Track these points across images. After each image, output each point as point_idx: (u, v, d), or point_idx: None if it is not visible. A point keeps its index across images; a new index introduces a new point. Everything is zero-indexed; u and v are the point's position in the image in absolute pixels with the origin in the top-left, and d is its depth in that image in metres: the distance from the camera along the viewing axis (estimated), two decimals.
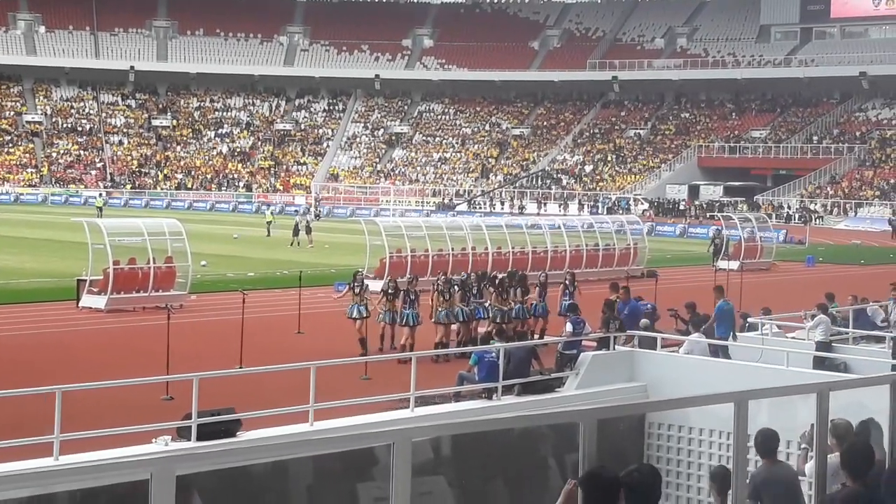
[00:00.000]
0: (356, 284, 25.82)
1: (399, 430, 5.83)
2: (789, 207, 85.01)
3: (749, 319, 23.59)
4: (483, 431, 14.01)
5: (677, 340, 21.06)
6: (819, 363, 19.68)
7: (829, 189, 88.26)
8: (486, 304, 26.81)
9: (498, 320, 25.45)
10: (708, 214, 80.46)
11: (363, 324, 25.20)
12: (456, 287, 26.69)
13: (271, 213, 66.51)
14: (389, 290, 25.73)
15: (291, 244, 53.93)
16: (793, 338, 22.43)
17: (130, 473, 5.33)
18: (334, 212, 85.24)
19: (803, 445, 11.71)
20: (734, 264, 43.74)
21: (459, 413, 17.03)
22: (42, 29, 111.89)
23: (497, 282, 27.59)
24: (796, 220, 79.05)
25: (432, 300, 25.99)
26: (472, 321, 26.53)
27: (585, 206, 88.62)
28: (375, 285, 32.70)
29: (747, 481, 8.94)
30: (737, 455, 7.19)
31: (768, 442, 10.21)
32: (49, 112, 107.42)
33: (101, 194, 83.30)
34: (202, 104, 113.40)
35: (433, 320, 25.67)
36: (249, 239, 57.81)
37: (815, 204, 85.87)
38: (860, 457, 6.98)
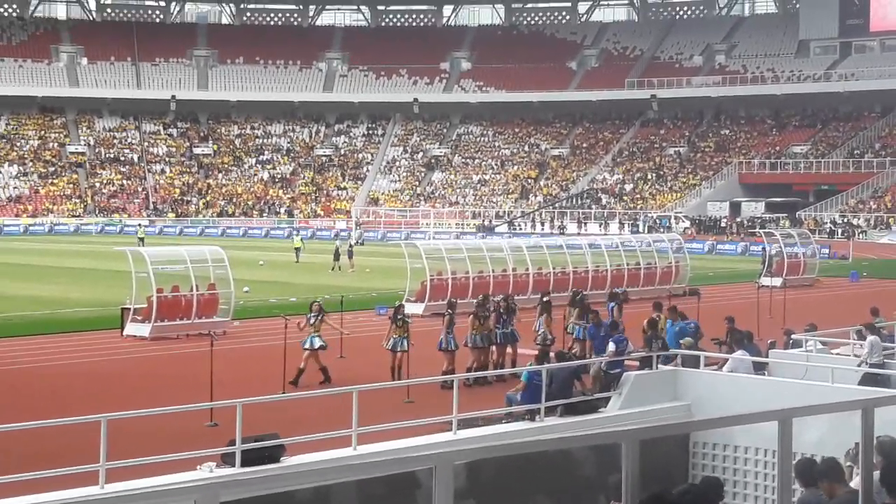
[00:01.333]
0: (312, 315, 24.81)
1: (440, 454, 5.82)
2: (833, 223, 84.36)
3: (793, 336, 23.38)
4: (526, 453, 14.00)
5: (720, 359, 20.95)
6: (867, 380, 19.43)
7: (871, 203, 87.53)
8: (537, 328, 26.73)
9: (542, 342, 25.37)
10: (749, 231, 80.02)
11: (314, 355, 24.30)
12: (499, 310, 26.56)
13: (300, 239, 65.31)
14: (398, 317, 24.93)
15: (332, 269, 54.11)
16: (838, 354, 22.21)
17: (175, 501, 5.36)
18: (388, 236, 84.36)
19: (848, 463, 11.61)
20: (777, 281, 43.44)
21: (502, 435, 17.00)
22: (84, 61, 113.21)
23: (545, 303, 27.54)
24: (839, 236, 78.43)
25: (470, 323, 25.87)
26: (506, 344, 26.36)
27: (626, 225, 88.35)
28: (416, 308, 32.78)
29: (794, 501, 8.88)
30: (781, 473, 7.14)
31: (811, 470, 10.18)
32: (92, 142, 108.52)
33: (140, 225, 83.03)
34: (243, 131, 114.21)
35: (464, 344, 25.51)
36: (289, 264, 58.02)
37: (858, 219, 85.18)
38: None
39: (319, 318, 24.84)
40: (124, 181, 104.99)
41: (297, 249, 60.64)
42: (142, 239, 69.02)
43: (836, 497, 9.94)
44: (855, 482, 10.09)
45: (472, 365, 25.12)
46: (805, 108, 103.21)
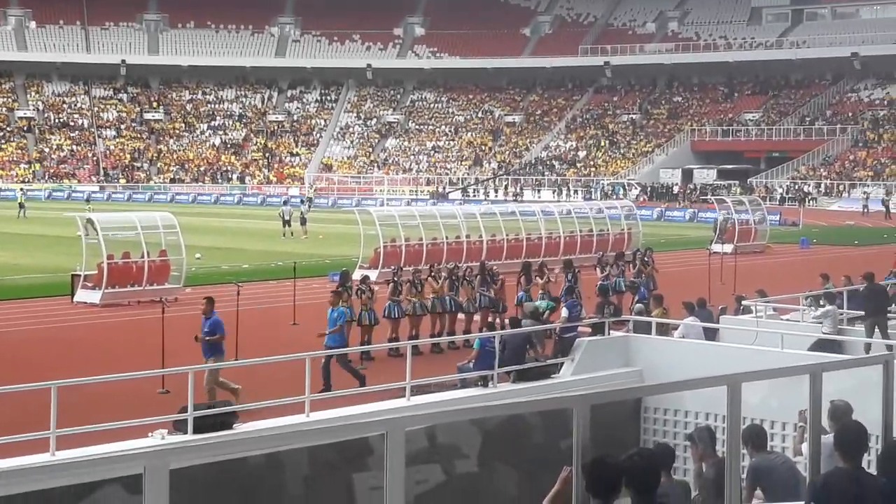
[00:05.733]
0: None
1: (392, 419, 5.82)
2: (785, 190, 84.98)
3: (744, 302, 23.57)
4: (479, 419, 14.03)
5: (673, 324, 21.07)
6: (818, 346, 19.54)
7: (822, 170, 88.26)
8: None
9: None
10: (701, 198, 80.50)
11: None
12: (452, 277, 26.49)
13: (23, 196, 60.10)
14: (348, 285, 24.50)
15: (284, 235, 53.92)
16: (788, 320, 22.41)
17: (124, 467, 5.32)
18: (339, 203, 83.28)
19: (800, 424, 11.73)
20: (728, 247, 43.77)
21: (455, 402, 17.03)
22: (33, 24, 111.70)
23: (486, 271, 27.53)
24: (789, 202, 79.07)
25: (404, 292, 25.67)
26: (453, 313, 26.23)
27: (579, 192, 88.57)
28: (371, 275, 32.70)
29: (743, 468, 8.96)
30: (730, 438, 7.19)
31: (761, 435, 10.29)
32: (41, 107, 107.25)
33: (21, 189, 76.03)
34: (194, 97, 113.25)
35: (405, 312, 25.34)
36: (244, 231, 57.76)
37: (809, 185, 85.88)
38: (852, 437, 6.98)
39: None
40: (74, 146, 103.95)
41: (21, 206, 53.25)
42: (22, 205, 65.42)
43: (706, 464, 10.07)
44: (806, 445, 10.20)
45: (411, 333, 25.02)
46: (757, 76, 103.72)
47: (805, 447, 10.87)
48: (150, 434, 14.48)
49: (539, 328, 21.23)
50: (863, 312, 21.80)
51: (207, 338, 18.91)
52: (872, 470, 7.33)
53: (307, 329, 26.50)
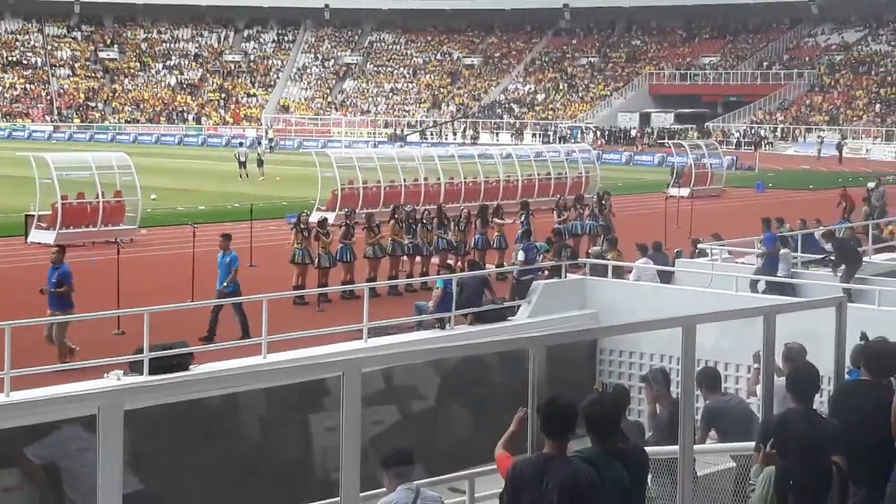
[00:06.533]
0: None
1: (348, 360, 5.81)
2: (742, 134, 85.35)
3: (699, 246, 23.72)
4: (436, 361, 14.10)
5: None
6: (773, 289, 19.74)
7: (779, 115, 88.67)
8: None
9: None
10: (658, 142, 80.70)
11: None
12: (410, 220, 26.41)
13: None
14: (302, 226, 24.51)
15: (241, 176, 53.61)
16: (742, 263, 22.59)
17: (79, 408, 5.30)
18: (304, 145, 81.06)
19: (755, 366, 11.85)
20: (685, 191, 43.93)
21: (412, 343, 17.08)
22: None
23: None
24: (746, 147, 79.45)
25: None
26: (412, 255, 26.21)
27: (537, 136, 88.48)
28: (329, 217, 32.62)
29: (697, 409, 9.06)
30: (684, 379, 7.24)
31: (715, 377, 10.41)
32: None
33: None
34: (149, 36, 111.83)
35: (365, 255, 25.28)
36: (201, 172, 57.35)
37: (765, 130, 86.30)
38: (803, 379, 7.06)
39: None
40: (27, 85, 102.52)
41: None
42: None
43: (660, 405, 10.21)
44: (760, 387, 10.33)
45: (369, 275, 24.98)
46: (715, 19, 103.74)
47: (760, 388, 11.01)
48: (105, 375, 14.45)
49: (501, 270, 21.32)
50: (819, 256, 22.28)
51: (55, 290, 17.75)
52: (825, 411, 7.42)
53: (264, 271, 26.51)
